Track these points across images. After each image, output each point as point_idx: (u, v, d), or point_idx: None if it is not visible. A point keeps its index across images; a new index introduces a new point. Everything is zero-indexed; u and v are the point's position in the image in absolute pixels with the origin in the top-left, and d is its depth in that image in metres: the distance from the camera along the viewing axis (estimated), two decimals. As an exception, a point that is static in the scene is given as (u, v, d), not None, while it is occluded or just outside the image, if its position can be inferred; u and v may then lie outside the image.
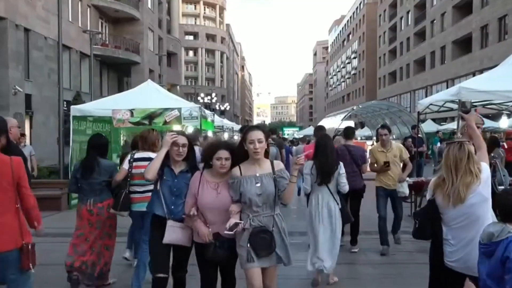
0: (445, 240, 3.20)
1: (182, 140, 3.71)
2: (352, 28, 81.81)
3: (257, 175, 3.45)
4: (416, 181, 8.46)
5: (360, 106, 17.29)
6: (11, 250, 3.15)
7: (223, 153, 3.48)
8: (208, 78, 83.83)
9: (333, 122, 18.28)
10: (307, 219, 5.25)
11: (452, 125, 22.03)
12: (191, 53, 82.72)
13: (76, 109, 9.26)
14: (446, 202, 3.13)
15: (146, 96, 9.59)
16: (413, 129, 11.95)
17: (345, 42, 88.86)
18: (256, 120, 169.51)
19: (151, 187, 4.04)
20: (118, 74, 32.26)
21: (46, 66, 22.67)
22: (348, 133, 6.87)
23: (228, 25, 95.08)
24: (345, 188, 5.18)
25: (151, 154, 4.66)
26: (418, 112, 8.41)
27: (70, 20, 25.15)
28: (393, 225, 6.86)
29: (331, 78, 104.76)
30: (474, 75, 34.92)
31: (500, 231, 2.67)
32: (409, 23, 50.95)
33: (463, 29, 37.05)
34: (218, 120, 18.97)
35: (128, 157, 4.87)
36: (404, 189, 6.56)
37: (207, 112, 10.72)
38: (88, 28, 22.35)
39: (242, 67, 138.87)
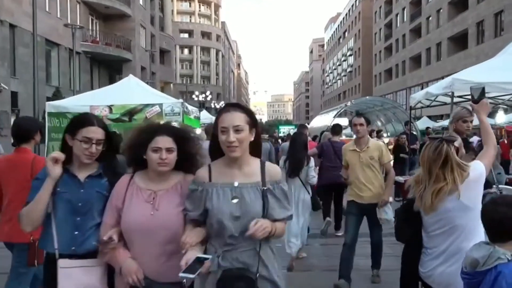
0: (423, 248, 2.74)
1: (98, 133, 2.40)
2: (347, 25, 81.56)
3: (236, 184, 2.18)
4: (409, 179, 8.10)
5: (353, 102, 16.84)
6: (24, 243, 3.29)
7: (164, 141, 2.24)
8: (203, 76, 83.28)
9: (326, 120, 17.88)
10: None
11: (446, 122, 21.65)
12: (186, 51, 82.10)
13: (51, 106, 8.77)
14: (419, 205, 2.67)
15: (127, 91, 9.12)
16: (406, 125, 11.53)
17: (341, 40, 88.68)
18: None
19: None
20: (109, 71, 31.77)
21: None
22: (335, 130, 7.38)
23: (223, 23, 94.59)
24: (313, 180, 5.77)
25: None
26: (411, 107, 7.98)
27: (59, 16, 24.65)
28: (372, 255, 5.16)
29: (327, 76, 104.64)
30: (470, 71, 34.69)
31: (486, 256, 2.01)
32: (405, 19, 50.61)
33: (459, 25, 36.72)
34: (208, 117, 18.54)
35: None
36: (388, 215, 4.85)
37: (192, 108, 10.26)
38: (78, 25, 21.92)
39: (238, 65, 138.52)
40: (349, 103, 17.24)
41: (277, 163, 7.35)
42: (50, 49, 24.44)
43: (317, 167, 6.70)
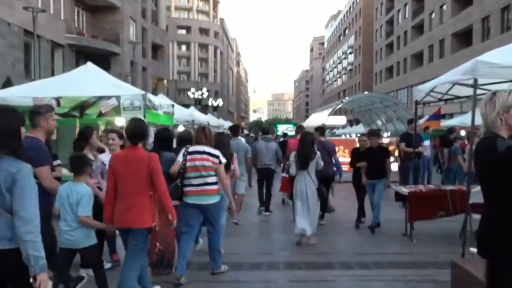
0: None
1: None
2: (348, 22, 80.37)
3: None
4: (414, 190, 6.66)
5: (349, 99, 15.27)
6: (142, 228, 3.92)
7: None
8: (201, 73, 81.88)
9: (321, 118, 16.44)
10: (294, 196, 6.80)
11: (453, 121, 20.17)
12: (183, 47, 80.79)
13: (-13, 97, 7.40)
14: None
15: (80, 81, 7.72)
16: (410, 124, 9.99)
17: (341, 37, 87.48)
18: (252, 117, 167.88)
19: (209, 179, 4.94)
20: (97, 65, 30.24)
21: (11, 55, 20.78)
22: (321, 131, 8.43)
23: (222, 20, 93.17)
24: (320, 164, 6.78)
25: (206, 148, 4.97)
26: (416, 101, 6.54)
27: (40, 6, 23.17)
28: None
29: (327, 74, 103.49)
30: (474, 69, 33.23)
31: None
32: (407, 16, 49.17)
33: (463, 21, 35.24)
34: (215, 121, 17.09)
35: (183, 150, 5.01)
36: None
37: (162, 102, 8.84)
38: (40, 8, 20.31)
39: (238, 63, 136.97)
40: (345, 100, 15.74)
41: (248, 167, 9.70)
42: (30, 41, 22.98)
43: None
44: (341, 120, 25.04)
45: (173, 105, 9.84)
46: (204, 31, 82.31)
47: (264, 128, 12.35)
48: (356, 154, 8.07)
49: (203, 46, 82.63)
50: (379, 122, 16.49)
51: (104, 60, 29.47)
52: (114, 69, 29.68)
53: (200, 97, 52.99)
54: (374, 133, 7.83)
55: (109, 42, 28.73)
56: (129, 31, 31.81)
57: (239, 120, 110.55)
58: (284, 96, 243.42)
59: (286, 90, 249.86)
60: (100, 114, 7.35)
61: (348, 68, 78.92)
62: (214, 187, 5.00)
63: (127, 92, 7.51)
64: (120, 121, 7.95)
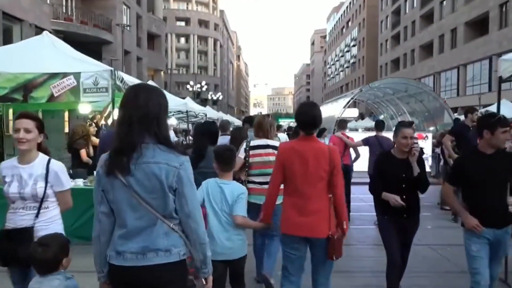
0: None
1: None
2: (351, 14, 78.50)
3: None
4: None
5: (371, 86, 13.15)
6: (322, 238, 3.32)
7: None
8: (200, 66, 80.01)
9: (334, 110, 14.43)
10: None
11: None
12: (182, 39, 78.79)
13: None
14: None
15: (29, 54, 5.73)
16: (470, 114, 7.52)
17: (344, 30, 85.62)
18: (252, 111, 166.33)
19: None
20: (87, 54, 28.08)
21: (-13, 40, 18.75)
22: (379, 126, 7.58)
23: (222, 11, 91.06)
24: None
25: (268, 141, 4.54)
26: (500, 78, 4.42)
27: (23, -13, 21.16)
28: None
29: (329, 68, 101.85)
30: (490, 59, 31.19)
31: None
32: (415, 5, 47.10)
33: (478, 8, 33.14)
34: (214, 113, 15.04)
35: (244, 145, 4.63)
36: None
37: (136, 82, 6.82)
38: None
39: (238, 56, 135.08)
40: (363, 89, 13.59)
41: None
42: (12, 25, 20.98)
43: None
44: (354, 112, 23.05)
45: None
46: (203, 23, 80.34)
47: None
48: (386, 167, 4.13)
49: (203, 39, 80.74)
50: (408, 116, 14.22)
51: (95, 48, 27.49)
52: (106, 58, 27.67)
53: (199, 90, 51.02)
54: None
55: (100, 29, 26.70)
56: (122, 18, 29.69)
57: (240, 114, 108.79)
58: (285, 91, 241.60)
59: (286, 84, 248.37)
60: (52, 98, 5.35)
61: (351, 61, 77.24)
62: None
63: (89, 68, 5.49)
64: (85, 109, 5.98)
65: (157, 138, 2.04)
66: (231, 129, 7.53)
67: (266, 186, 4.13)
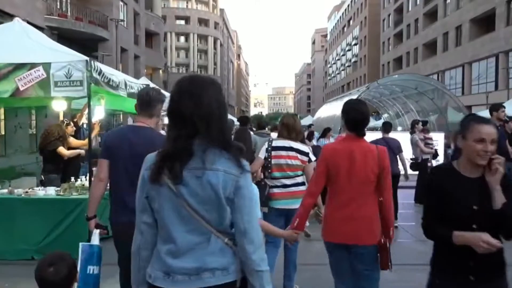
0: None
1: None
2: (353, 13, 77.93)
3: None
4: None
5: (379, 83, 12.30)
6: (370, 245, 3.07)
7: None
8: (200, 65, 79.50)
9: (337, 109, 13.68)
10: None
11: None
12: (182, 38, 78.20)
13: None
14: None
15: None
16: (495, 112, 6.53)
17: (345, 28, 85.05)
18: (253, 111, 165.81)
19: (298, 179, 4.20)
20: (83, 52, 27.29)
21: (-24, 36, 18.01)
22: (387, 127, 7.58)
23: (222, 10, 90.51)
24: None
25: (292, 143, 4.27)
26: None
27: (15, -18, 20.43)
28: None
29: (330, 67, 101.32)
30: (497, 57, 30.42)
31: None
32: (418, 2, 46.34)
33: (485, 4, 32.36)
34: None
35: (266, 145, 4.40)
36: None
37: (124, 78, 6.04)
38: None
39: (238, 55, 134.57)
40: (363, 88, 12.80)
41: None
42: (2, 21, 20.23)
43: None
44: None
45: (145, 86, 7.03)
46: (203, 22, 79.76)
47: (260, 123, 11.49)
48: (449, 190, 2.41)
49: (203, 37, 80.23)
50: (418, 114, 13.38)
51: (90, 46, 26.78)
52: (98, 54, 26.96)
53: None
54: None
55: (96, 25, 25.95)
56: (118, 14, 28.93)
57: (240, 114, 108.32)
58: (285, 90, 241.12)
59: (287, 83, 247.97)
60: (17, 92, 4.58)
61: (353, 60, 76.68)
62: (303, 188, 4.20)
63: (61, 57, 4.72)
64: (60, 106, 5.20)
65: (217, 141, 1.77)
66: (234, 128, 7.18)
67: (288, 189, 4.19)
